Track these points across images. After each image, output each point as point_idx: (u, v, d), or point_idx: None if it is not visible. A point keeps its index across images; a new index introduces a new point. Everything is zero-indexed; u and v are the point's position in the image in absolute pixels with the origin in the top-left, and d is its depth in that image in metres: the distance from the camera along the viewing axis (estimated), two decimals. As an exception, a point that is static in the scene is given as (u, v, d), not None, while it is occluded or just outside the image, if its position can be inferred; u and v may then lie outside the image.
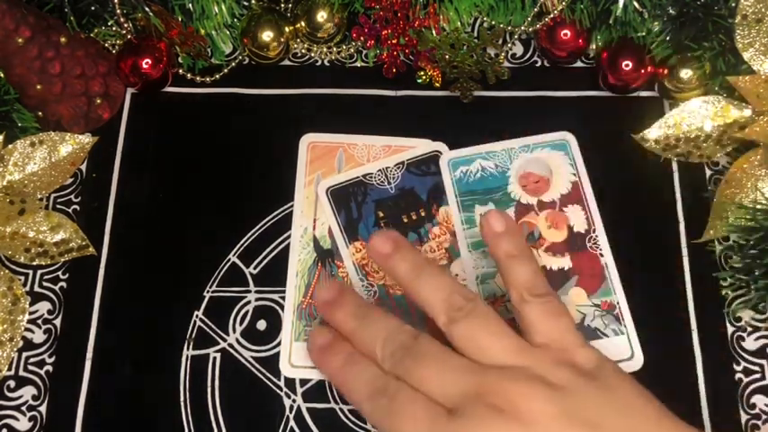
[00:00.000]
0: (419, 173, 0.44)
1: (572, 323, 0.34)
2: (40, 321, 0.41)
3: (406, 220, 0.43)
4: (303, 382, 0.40)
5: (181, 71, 0.46)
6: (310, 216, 0.43)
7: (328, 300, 0.37)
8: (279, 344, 0.41)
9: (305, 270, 0.42)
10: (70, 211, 0.44)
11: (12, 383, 0.40)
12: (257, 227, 0.43)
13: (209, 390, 0.40)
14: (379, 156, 0.44)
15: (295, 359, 0.40)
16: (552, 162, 0.44)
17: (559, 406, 0.30)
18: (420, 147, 0.44)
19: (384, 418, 0.32)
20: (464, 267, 0.42)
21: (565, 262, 0.42)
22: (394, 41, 0.45)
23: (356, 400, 0.34)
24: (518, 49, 0.48)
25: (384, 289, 0.41)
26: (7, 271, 0.42)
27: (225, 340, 0.41)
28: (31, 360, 0.40)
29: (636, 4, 0.43)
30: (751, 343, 0.40)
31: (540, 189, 0.43)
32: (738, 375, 0.40)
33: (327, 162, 0.44)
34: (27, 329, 0.41)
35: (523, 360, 0.32)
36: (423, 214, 0.43)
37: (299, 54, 0.48)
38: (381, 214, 0.43)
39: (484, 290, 0.41)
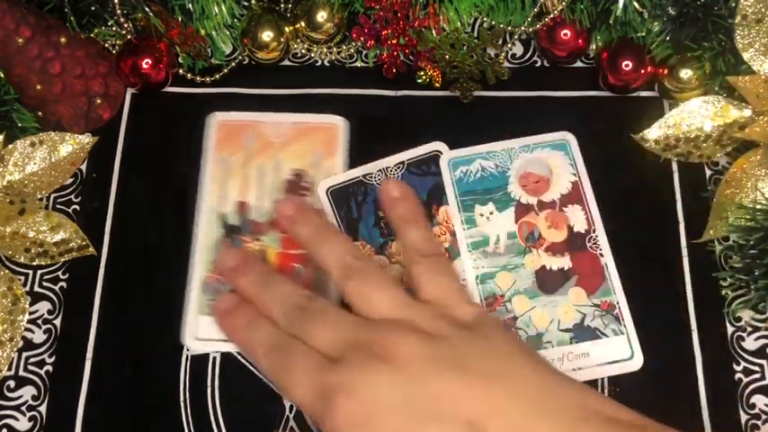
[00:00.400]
0: (419, 173, 0.44)
1: (457, 282, 0.37)
2: (40, 321, 0.41)
3: None
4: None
5: (181, 71, 0.46)
6: (217, 193, 0.44)
7: (232, 267, 0.39)
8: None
9: (211, 246, 0.42)
10: (70, 211, 0.44)
11: (12, 383, 0.40)
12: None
13: (209, 390, 0.40)
14: (287, 133, 0.44)
15: (200, 333, 0.40)
16: (552, 162, 0.44)
17: (432, 351, 0.32)
18: (329, 121, 0.45)
19: (277, 371, 0.35)
20: (464, 267, 0.42)
21: (565, 262, 0.42)
22: (394, 41, 0.45)
23: (255, 358, 0.36)
24: (518, 49, 0.48)
25: None
26: (7, 271, 0.42)
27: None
28: (31, 360, 0.40)
29: (636, 4, 0.43)
30: (751, 343, 0.40)
31: (540, 189, 0.43)
32: (738, 375, 0.40)
33: (236, 140, 0.45)
34: (27, 329, 0.41)
35: (407, 314, 0.34)
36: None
37: (299, 54, 0.48)
38: (381, 214, 0.43)
39: (483, 290, 0.41)
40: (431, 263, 0.37)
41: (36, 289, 0.42)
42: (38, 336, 0.41)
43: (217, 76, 0.47)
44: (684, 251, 0.42)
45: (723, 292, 0.41)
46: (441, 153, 0.44)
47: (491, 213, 0.43)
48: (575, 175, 0.44)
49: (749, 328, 0.41)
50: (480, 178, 0.44)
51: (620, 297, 0.41)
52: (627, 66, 0.44)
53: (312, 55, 0.48)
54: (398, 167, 0.44)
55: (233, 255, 0.40)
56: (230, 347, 0.40)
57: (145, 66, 0.44)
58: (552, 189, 0.44)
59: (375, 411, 0.31)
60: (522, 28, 0.46)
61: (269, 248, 0.42)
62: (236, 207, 0.43)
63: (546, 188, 0.43)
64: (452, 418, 0.30)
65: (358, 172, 0.44)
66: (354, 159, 0.44)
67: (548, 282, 0.41)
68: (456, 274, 0.37)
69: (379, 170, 0.44)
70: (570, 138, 0.45)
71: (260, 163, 0.44)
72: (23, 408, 0.39)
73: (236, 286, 0.39)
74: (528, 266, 0.42)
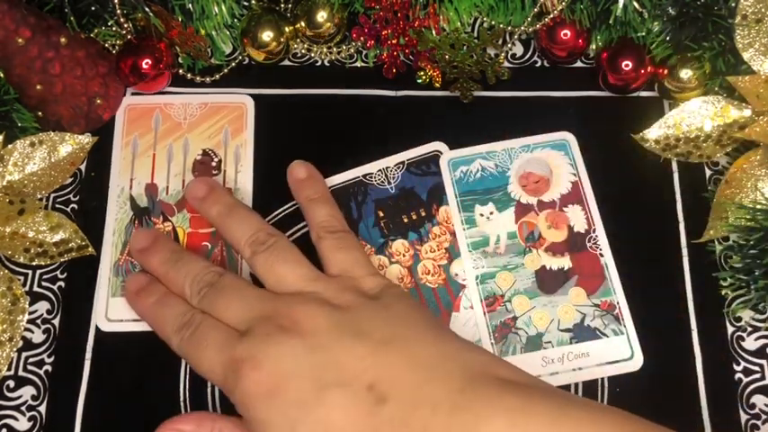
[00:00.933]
0: (419, 172, 0.44)
1: (363, 256, 0.38)
2: (39, 321, 0.41)
3: (406, 220, 0.43)
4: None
5: (181, 71, 0.46)
6: (127, 176, 0.44)
7: (143, 247, 0.40)
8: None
9: (122, 228, 0.43)
10: (69, 210, 0.44)
11: (11, 383, 0.40)
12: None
13: (209, 390, 0.40)
14: (195, 114, 0.45)
15: (111, 314, 0.41)
16: (552, 162, 0.44)
17: (335, 320, 0.33)
18: (236, 100, 0.46)
19: (187, 347, 0.36)
20: (464, 267, 0.42)
21: (565, 262, 0.42)
22: (394, 41, 0.45)
23: (166, 335, 0.37)
24: (518, 49, 0.48)
25: None
26: (7, 271, 0.42)
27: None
28: (31, 360, 0.40)
29: (636, 4, 0.43)
30: (751, 343, 0.40)
31: (540, 189, 0.43)
32: (738, 375, 0.40)
33: (144, 123, 0.45)
34: (26, 329, 0.41)
35: (314, 287, 0.36)
36: (423, 214, 0.43)
37: (299, 54, 0.48)
38: (381, 214, 0.43)
39: (483, 290, 0.41)
40: (336, 238, 0.39)
41: (35, 289, 0.42)
42: (37, 335, 0.41)
43: (217, 76, 0.47)
44: (684, 251, 0.42)
45: (723, 292, 0.41)
46: (441, 153, 0.44)
47: (491, 213, 0.43)
48: (575, 174, 0.44)
49: (749, 328, 0.41)
50: (480, 178, 0.44)
51: (620, 297, 0.41)
52: (627, 66, 0.44)
53: (312, 55, 0.48)
54: (398, 167, 0.44)
55: (143, 235, 0.41)
56: (141, 327, 0.40)
57: (145, 66, 0.44)
58: (552, 189, 0.44)
59: (281, 380, 0.32)
60: (522, 28, 0.46)
61: (179, 228, 0.43)
62: (145, 189, 0.44)
63: (546, 188, 0.43)
64: (354, 383, 0.31)
65: (358, 172, 0.44)
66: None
67: (548, 282, 0.41)
68: (362, 248, 0.39)
69: (379, 170, 0.44)
70: (570, 138, 0.45)
71: (169, 144, 0.45)
72: (23, 408, 0.39)
73: (147, 266, 0.40)
74: (528, 266, 0.42)
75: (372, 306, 0.35)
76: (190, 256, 0.39)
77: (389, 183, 0.44)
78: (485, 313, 0.41)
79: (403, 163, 0.44)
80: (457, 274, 0.42)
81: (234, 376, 0.33)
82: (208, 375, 0.35)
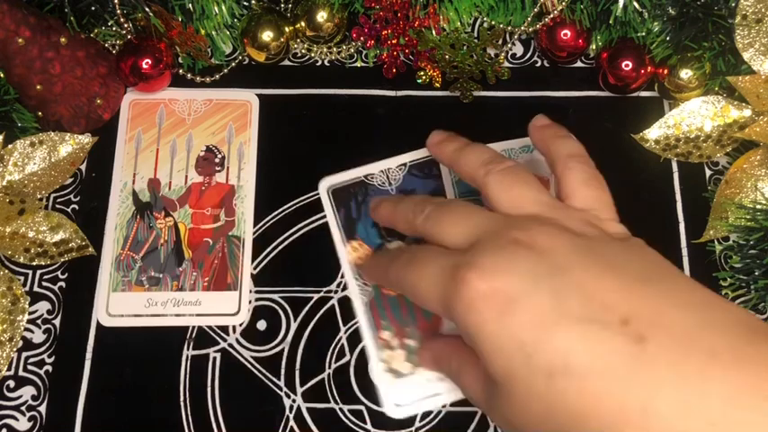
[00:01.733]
0: (421, 175, 0.44)
1: (612, 201, 0.33)
2: (39, 321, 0.41)
3: None
4: (303, 381, 0.40)
5: (181, 71, 0.46)
6: (130, 171, 0.44)
7: (438, 140, 0.38)
8: (279, 343, 0.41)
9: (123, 223, 0.43)
10: (69, 210, 0.44)
11: (11, 383, 0.40)
12: (257, 226, 0.43)
13: (209, 390, 0.40)
14: (199, 110, 0.45)
15: (112, 308, 0.41)
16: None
17: (580, 246, 0.29)
18: (241, 97, 0.46)
19: (406, 268, 0.32)
20: None
21: None
22: (394, 41, 0.45)
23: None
24: (518, 49, 0.48)
25: (378, 291, 0.41)
26: (7, 271, 0.42)
27: (225, 340, 0.41)
28: (31, 360, 0.40)
29: (636, 4, 0.43)
30: (751, 343, 0.40)
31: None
32: (738, 375, 0.40)
33: (148, 118, 0.46)
34: (27, 329, 0.41)
35: (554, 214, 0.31)
36: None
37: (299, 54, 0.48)
38: None
39: None
40: (587, 170, 0.34)
41: (35, 289, 0.42)
42: (37, 336, 0.41)
43: (217, 76, 0.47)
44: (684, 251, 0.42)
45: (723, 292, 0.41)
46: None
47: None
48: None
49: (749, 328, 0.41)
50: None
51: None
52: (627, 66, 0.44)
53: (312, 55, 0.48)
54: (400, 169, 0.44)
55: (437, 132, 0.39)
56: (142, 323, 0.41)
57: (145, 66, 0.44)
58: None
59: (514, 296, 0.27)
60: (522, 28, 0.46)
61: (180, 224, 0.43)
62: (148, 184, 0.44)
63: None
64: (604, 315, 0.26)
65: (360, 172, 0.44)
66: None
67: None
68: (610, 194, 0.34)
69: (381, 171, 0.44)
70: None
71: (172, 140, 0.45)
72: (23, 408, 0.39)
73: (441, 155, 0.38)
74: None
75: (620, 245, 0.30)
76: (475, 145, 0.36)
77: (390, 184, 0.44)
78: None
79: (405, 165, 0.44)
80: None
81: (454, 284, 0.29)
82: (423, 295, 0.31)
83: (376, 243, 0.42)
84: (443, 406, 0.40)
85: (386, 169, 0.44)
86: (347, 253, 0.42)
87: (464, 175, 0.36)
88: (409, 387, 0.39)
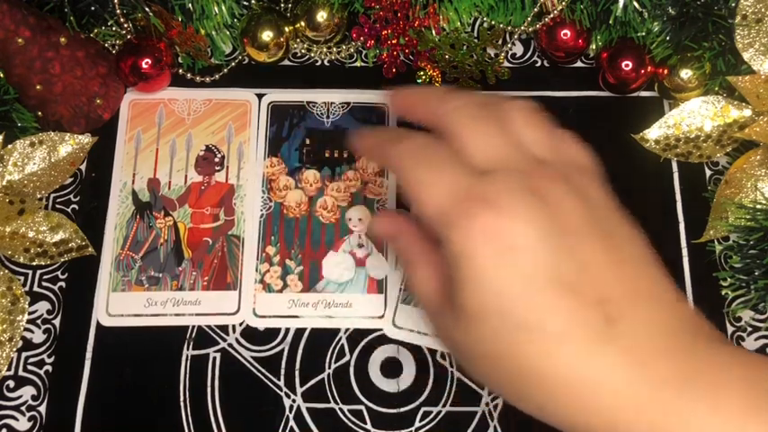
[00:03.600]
0: (359, 118, 0.46)
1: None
2: (39, 321, 0.41)
3: (327, 155, 0.45)
4: (303, 381, 0.40)
5: (181, 71, 0.46)
6: (130, 171, 0.44)
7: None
8: (279, 343, 0.41)
9: (123, 223, 0.43)
10: (69, 210, 0.44)
11: (11, 383, 0.40)
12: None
13: (209, 390, 0.40)
14: (199, 110, 0.46)
15: (112, 308, 0.41)
16: None
17: (590, 214, 0.29)
18: (240, 97, 0.46)
19: (411, 158, 0.31)
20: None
21: None
22: (394, 41, 0.45)
23: (386, 146, 0.33)
24: (518, 49, 0.48)
25: (279, 207, 0.43)
26: (7, 271, 0.42)
27: (225, 340, 0.41)
28: (31, 360, 0.40)
29: (636, 4, 0.43)
30: (751, 343, 0.40)
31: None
32: (738, 375, 0.40)
33: (148, 118, 0.46)
34: (26, 329, 0.41)
35: (567, 169, 0.31)
36: (345, 156, 0.45)
37: (299, 54, 0.48)
38: (308, 141, 0.45)
39: None
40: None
41: (35, 289, 0.42)
42: (37, 336, 0.41)
43: (217, 76, 0.47)
44: (684, 251, 0.42)
45: (723, 292, 0.41)
46: (388, 106, 0.46)
47: None
48: None
49: (749, 328, 0.41)
50: None
51: None
52: (627, 66, 0.44)
53: (312, 55, 0.47)
54: (343, 106, 0.46)
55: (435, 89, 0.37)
56: (142, 322, 0.41)
57: (145, 66, 0.44)
58: None
59: (517, 245, 0.27)
60: (522, 28, 0.46)
61: (180, 224, 0.43)
62: (147, 184, 0.44)
63: None
64: (589, 289, 0.28)
65: (303, 96, 0.46)
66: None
67: None
68: None
69: (324, 102, 0.46)
70: None
71: (172, 139, 0.45)
72: (23, 408, 0.39)
73: (419, 106, 0.34)
74: None
75: (618, 218, 0.31)
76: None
77: (328, 117, 0.46)
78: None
79: (348, 103, 0.46)
80: (350, 219, 0.43)
81: (463, 208, 0.28)
82: (421, 198, 0.30)
83: (293, 166, 0.44)
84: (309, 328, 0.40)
85: (328, 102, 0.46)
86: (264, 166, 0.44)
87: (483, 103, 0.32)
88: (274, 303, 0.41)
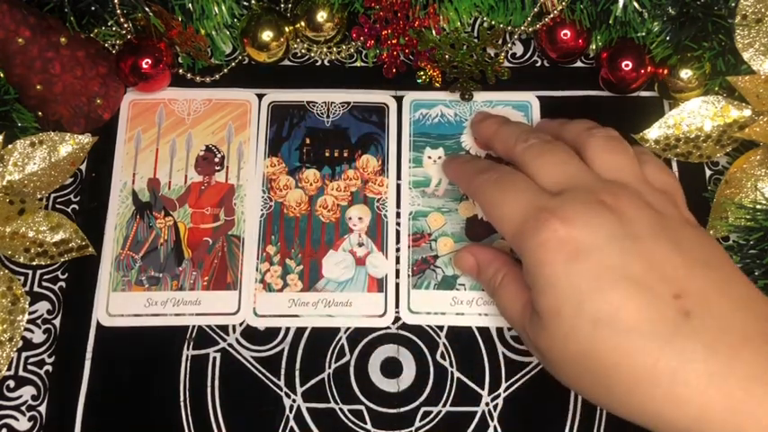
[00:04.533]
0: (359, 117, 0.46)
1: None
2: (39, 321, 0.41)
3: (327, 154, 0.45)
4: (303, 381, 0.40)
5: (181, 71, 0.46)
6: (130, 171, 0.44)
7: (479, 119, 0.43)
8: (279, 343, 0.41)
9: (123, 223, 0.43)
10: (69, 210, 0.44)
11: (11, 383, 0.40)
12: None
13: (209, 390, 0.40)
14: (199, 110, 0.46)
15: (112, 308, 0.41)
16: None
17: (657, 221, 0.32)
18: (240, 96, 0.46)
19: (490, 186, 0.35)
20: (401, 201, 0.43)
21: None
22: (394, 41, 0.45)
23: (467, 178, 0.38)
24: (518, 49, 0.48)
25: (280, 206, 0.43)
26: (7, 271, 0.42)
27: (225, 340, 0.41)
28: (31, 360, 0.40)
29: (636, 4, 0.43)
30: (751, 343, 0.40)
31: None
32: (738, 375, 0.39)
33: (148, 118, 0.46)
34: (27, 329, 0.41)
35: (641, 188, 0.34)
36: (345, 155, 0.45)
37: (299, 54, 0.48)
38: (308, 141, 0.45)
39: (413, 225, 0.43)
40: (658, 160, 0.37)
41: (36, 289, 0.42)
42: (37, 336, 0.41)
43: (217, 76, 0.47)
44: (684, 251, 0.42)
45: (723, 292, 0.41)
46: (388, 106, 0.46)
47: (439, 158, 0.44)
48: None
49: (749, 328, 0.41)
50: (437, 123, 0.45)
51: None
52: (627, 66, 0.44)
53: (312, 55, 0.47)
54: (343, 106, 0.46)
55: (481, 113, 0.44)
56: (142, 323, 0.41)
57: (145, 66, 0.44)
58: None
59: (586, 247, 0.30)
60: (522, 28, 0.46)
61: (180, 224, 0.43)
62: (147, 184, 0.44)
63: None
64: (660, 287, 0.30)
65: (303, 96, 0.46)
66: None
67: (476, 230, 0.43)
68: None
69: (324, 102, 0.46)
70: (534, 101, 0.45)
71: (172, 139, 0.45)
72: (23, 408, 0.39)
73: (480, 130, 0.42)
74: (461, 213, 0.43)
75: (692, 230, 0.33)
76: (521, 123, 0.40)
77: (328, 116, 0.45)
78: (409, 247, 0.42)
79: (348, 103, 0.46)
80: (350, 218, 0.43)
81: (535, 222, 0.32)
82: (500, 218, 0.34)
83: (294, 165, 0.44)
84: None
85: (328, 102, 0.46)
86: (264, 166, 0.44)
87: (567, 136, 0.37)
88: (274, 302, 0.41)
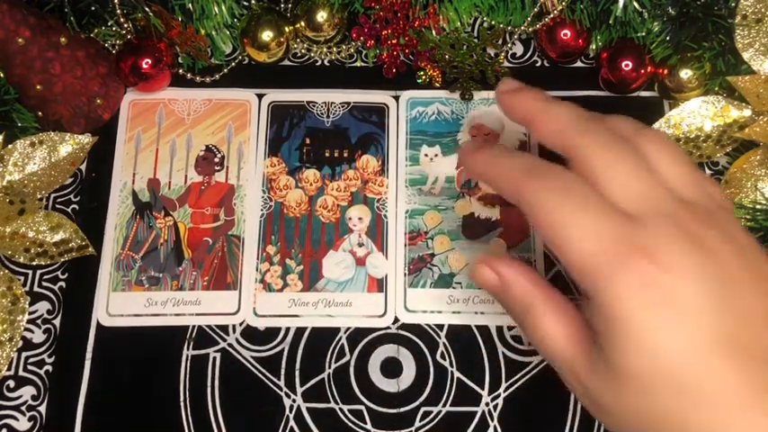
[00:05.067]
0: (359, 118, 0.46)
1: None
2: (39, 321, 0.41)
3: (327, 154, 0.45)
4: (303, 381, 0.40)
5: (181, 71, 0.46)
6: (130, 171, 0.44)
7: (511, 89, 0.34)
8: (279, 343, 0.41)
9: (123, 223, 0.43)
10: (69, 210, 0.44)
11: (11, 383, 0.40)
12: (257, 227, 0.43)
13: (209, 390, 0.40)
14: (199, 110, 0.46)
15: (112, 308, 0.41)
16: (506, 119, 0.44)
17: (742, 254, 0.28)
18: (240, 96, 0.46)
19: (549, 194, 0.28)
20: (396, 199, 0.43)
21: (494, 213, 0.43)
22: (394, 41, 0.45)
23: (511, 180, 0.30)
24: (518, 49, 0.48)
25: (280, 206, 0.43)
26: (7, 271, 0.42)
27: (225, 340, 0.41)
28: (31, 360, 0.40)
29: (636, 4, 0.43)
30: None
31: (489, 142, 0.45)
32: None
33: (148, 118, 0.46)
34: (27, 329, 0.41)
35: (709, 204, 0.29)
36: (345, 155, 0.45)
37: (299, 54, 0.48)
38: (308, 141, 0.45)
39: (410, 224, 0.43)
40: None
41: (36, 289, 0.42)
42: (37, 336, 0.41)
43: (217, 76, 0.47)
44: (684, 251, 0.42)
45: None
46: (388, 106, 0.46)
47: (435, 156, 0.45)
48: (525, 135, 0.45)
49: (749, 328, 0.41)
50: (434, 121, 0.45)
51: (538, 256, 0.42)
52: (627, 66, 0.44)
53: (312, 55, 0.47)
54: (343, 106, 0.46)
55: (510, 80, 0.35)
56: (142, 323, 0.41)
57: (145, 66, 0.44)
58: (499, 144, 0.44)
59: (682, 302, 0.26)
60: (522, 28, 0.46)
61: (180, 224, 0.43)
62: (147, 184, 0.44)
63: (494, 142, 0.44)
64: (754, 346, 0.26)
65: (303, 96, 0.46)
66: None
67: (472, 228, 0.43)
68: None
69: (324, 102, 0.46)
70: None
71: (172, 139, 0.45)
72: (23, 408, 0.39)
73: (517, 104, 0.33)
74: (457, 211, 0.43)
75: (756, 245, 0.29)
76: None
77: (328, 117, 0.46)
78: (405, 245, 0.43)
79: (348, 103, 0.46)
80: (350, 218, 0.43)
81: (617, 257, 0.26)
82: (567, 242, 0.27)
83: (294, 165, 0.44)
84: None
85: (328, 102, 0.46)
86: (264, 166, 0.44)
87: (615, 130, 0.30)
88: (274, 302, 0.41)
